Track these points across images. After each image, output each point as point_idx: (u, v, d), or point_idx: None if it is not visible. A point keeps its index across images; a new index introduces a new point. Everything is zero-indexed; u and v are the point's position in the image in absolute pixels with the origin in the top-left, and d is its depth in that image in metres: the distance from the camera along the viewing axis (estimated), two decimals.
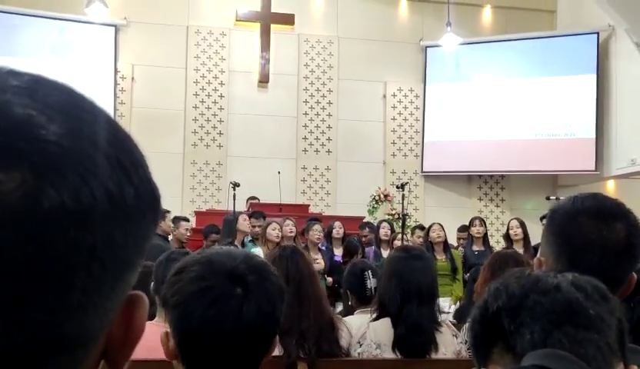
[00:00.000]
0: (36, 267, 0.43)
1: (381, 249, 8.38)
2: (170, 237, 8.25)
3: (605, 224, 1.55)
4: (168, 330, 1.41)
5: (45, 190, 0.43)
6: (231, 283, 1.36)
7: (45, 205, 0.43)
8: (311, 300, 3.11)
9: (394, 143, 13.12)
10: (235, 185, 9.24)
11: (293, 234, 7.72)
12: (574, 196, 1.65)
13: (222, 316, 1.33)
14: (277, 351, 2.95)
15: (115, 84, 11.98)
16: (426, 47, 13.06)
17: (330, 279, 7.54)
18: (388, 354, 3.25)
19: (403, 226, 9.18)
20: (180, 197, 11.96)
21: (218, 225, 8.47)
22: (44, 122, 0.45)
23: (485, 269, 3.96)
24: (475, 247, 8.30)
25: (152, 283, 2.97)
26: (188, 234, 8.33)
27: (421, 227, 9.29)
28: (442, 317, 3.48)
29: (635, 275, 1.59)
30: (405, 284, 3.27)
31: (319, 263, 7.58)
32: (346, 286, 4.16)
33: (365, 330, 3.32)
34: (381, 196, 12.63)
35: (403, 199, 10.09)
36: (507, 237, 8.03)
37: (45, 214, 0.43)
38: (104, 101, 11.37)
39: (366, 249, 8.66)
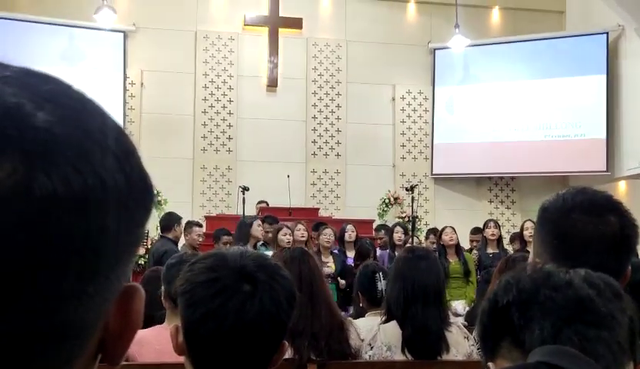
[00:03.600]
0: (29, 255, 0.43)
1: (396, 252, 8.36)
2: (182, 243, 8.25)
3: (599, 218, 1.54)
4: (179, 324, 1.41)
5: (37, 177, 0.43)
6: (239, 278, 1.36)
7: (37, 192, 0.43)
8: (322, 302, 3.11)
9: (403, 146, 13.10)
10: (245, 189, 9.25)
11: (305, 239, 7.71)
12: (563, 192, 1.64)
13: (225, 309, 1.33)
14: (288, 353, 2.96)
15: (125, 89, 12.02)
16: (434, 49, 13.04)
17: (343, 281, 7.53)
18: (399, 356, 3.24)
19: (413, 228, 9.17)
20: (190, 202, 11.99)
21: (228, 229, 8.47)
22: (34, 110, 0.45)
23: (496, 274, 3.94)
24: (490, 250, 8.27)
25: (162, 286, 2.97)
26: (201, 239, 8.33)
27: (434, 231, 9.25)
28: (456, 319, 3.46)
29: (630, 268, 1.58)
30: (409, 285, 3.26)
31: (330, 266, 7.58)
32: (357, 288, 4.16)
33: (376, 333, 3.31)
34: (391, 199, 12.61)
35: (413, 202, 10.09)
36: (521, 238, 7.99)
37: (37, 201, 0.43)
38: (113, 107, 11.42)
39: (381, 252, 8.64)
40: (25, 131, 0.44)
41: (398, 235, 8.65)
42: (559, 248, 1.54)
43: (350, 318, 3.67)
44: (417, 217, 10.57)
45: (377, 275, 3.99)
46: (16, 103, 0.45)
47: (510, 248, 8.75)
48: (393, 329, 3.27)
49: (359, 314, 4.34)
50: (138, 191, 0.50)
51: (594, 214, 1.55)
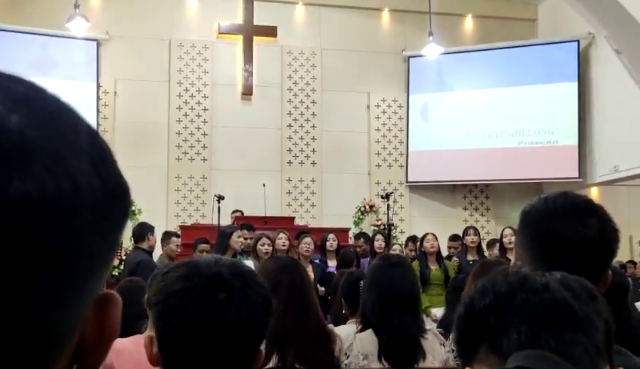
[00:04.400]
0: (4, 259, 0.42)
1: (374, 259, 8.36)
2: (157, 253, 8.17)
3: (580, 221, 1.55)
4: (153, 334, 1.39)
5: (10, 181, 0.42)
6: (214, 286, 1.34)
7: (10, 196, 0.42)
8: (311, 311, 3.10)
9: (378, 153, 13.15)
10: (220, 198, 9.22)
11: (286, 248, 7.69)
12: (544, 196, 1.65)
13: (201, 318, 1.31)
14: (273, 361, 2.94)
15: (98, 98, 11.93)
16: (409, 57, 13.12)
17: (322, 289, 7.52)
18: (376, 364, 3.23)
19: (389, 236, 9.19)
20: (165, 211, 11.91)
21: (204, 238, 8.42)
22: (7, 113, 0.44)
23: (470, 278, 3.95)
24: (470, 257, 8.32)
25: (145, 296, 2.93)
26: (179, 250, 8.28)
27: (414, 239, 9.29)
28: (431, 326, 3.46)
29: (611, 273, 1.59)
30: (383, 292, 3.25)
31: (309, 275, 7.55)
32: (340, 295, 4.15)
33: (352, 342, 3.30)
34: (367, 207, 12.64)
35: (388, 209, 10.13)
36: (500, 245, 8.05)
37: (11, 205, 0.42)
38: (87, 116, 11.23)
39: (362, 260, 8.65)
40: None
41: (379, 243, 8.68)
42: (539, 251, 1.54)
43: (331, 325, 3.66)
44: (392, 225, 10.60)
45: (361, 283, 3.99)
46: None
47: (488, 254, 8.81)
48: (369, 337, 3.27)
49: (335, 320, 4.34)
50: (114, 195, 0.49)
51: (574, 217, 1.56)
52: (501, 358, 0.98)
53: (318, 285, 7.52)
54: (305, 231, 8.74)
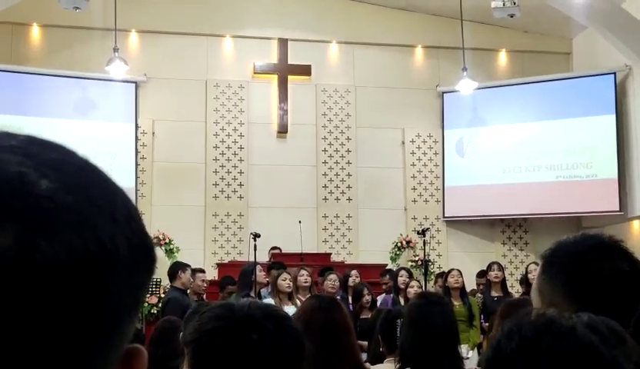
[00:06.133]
0: (33, 323, 0.44)
1: (399, 296, 8.30)
2: (188, 291, 8.24)
3: (610, 261, 1.56)
4: None
5: (39, 245, 0.44)
6: (247, 327, 1.36)
7: (40, 261, 0.44)
8: (347, 353, 3.04)
9: (414, 189, 13.10)
10: (256, 236, 9.24)
11: (308, 284, 7.62)
12: (567, 238, 1.67)
13: (232, 358, 1.33)
14: None
15: (137, 139, 12.13)
16: (443, 92, 13.12)
17: None
18: None
19: (426, 272, 9.11)
20: (202, 249, 11.98)
21: (233, 277, 8.46)
22: (36, 178, 0.46)
23: (497, 319, 3.90)
24: (494, 293, 8.19)
25: (181, 335, 2.95)
26: (205, 285, 8.31)
27: (442, 275, 9.21)
28: (470, 366, 3.41)
29: None
30: (422, 331, 3.22)
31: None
32: (378, 332, 4.13)
33: None
34: (404, 242, 12.56)
35: (425, 245, 10.05)
36: (525, 281, 7.93)
37: (41, 269, 0.44)
38: (126, 157, 11.54)
39: (385, 297, 8.58)
40: (27, 199, 0.45)
41: (403, 279, 8.56)
42: (574, 293, 1.53)
43: (368, 364, 3.62)
44: (429, 260, 10.52)
45: (398, 321, 3.96)
46: (20, 172, 0.46)
47: (518, 290, 8.68)
48: None
49: (373, 359, 4.30)
50: (139, 254, 0.51)
51: (605, 257, 1.56)
52: None
53: None
54: (328, 268, 8.70)
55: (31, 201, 0.45)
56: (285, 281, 7.28)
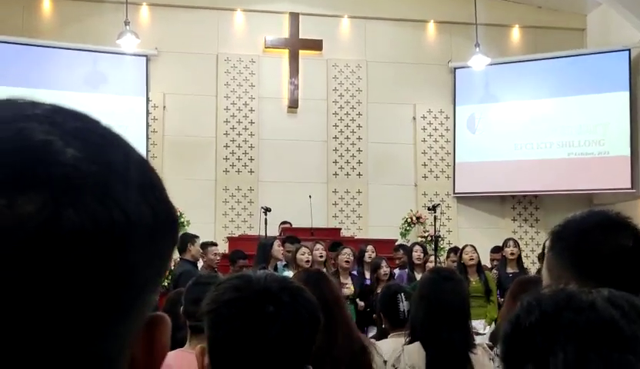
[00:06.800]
0: (57, 290, 0.44)
1: (414, 272, 8.32)
2: (200, 264, 8.27)
3: (616, 235, 1.58)
4: (205, 345, 1.42)
5: (64, 213, 0.44)
6: (263, 299, 1.37)
7: (65, 229, 0.44)
8: (339, 326, 3.07)
9: (425, 165, 13.08)
10: (267, 210, 9.28)
11: (323, 259, 7.67)
12: (574, 215, 1.69)
13: (248, 329, 1.34)
14: None
15: (147, 113, 12.13)
16: (455, 68, 13.04)
17: (362, 303, 7.49)
18: None
19: (436, 248, 9.11)
20: (213, 223, 12.03)
21: (243, 251, 8.48)
22: (62, 147, 0.46)
23: (508, 296, 3.90)
24: (509, 269, 8.18)
25: (182, 306, 2.97)
26: (218, 258, 8.33)
27: (455, 250, 9.19)
28: (481, 341, 3.42)
29: None
30: (434, 306, 3.23)
31: (349, 288, 7.53)
32: (379, 309, 4.13)
33: (400, 354, 3.28)
34: (414, 218, 12.56)
35: (435, 221, 10.05)
36: (543, 257, 7.91)
37: (65, 237, 0.44)
38: (136, 130, 11.54)
39: (399, 272, 8.59)
40: (53, 167, 0.45)
41: (417, 254, 8.57)
42: (581, 269, 1.54)
43: (373, 340, 3.64)
44: (440, 236, 10.52)
45: (399, 296, 3.96)
46: (46, 140, 0.46)
47: (535, 267, 8.67)
48: (417, 350, 3.25)
49: (382, 335, 4.31)
50: (162, 224, 0.51)
51: (610, 232, 1.58)
52: None
53: (357, 300, 7.48)
54: (339, 243, 8.71)
55: (57, 170, 0.45)
56: (303, 256, 7.34)
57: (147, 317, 0.52)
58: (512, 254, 8.26)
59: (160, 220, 0.50)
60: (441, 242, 11.29)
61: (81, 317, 0.45)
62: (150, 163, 0.54)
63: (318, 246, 7.78)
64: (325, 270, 6.13)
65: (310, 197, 10.98)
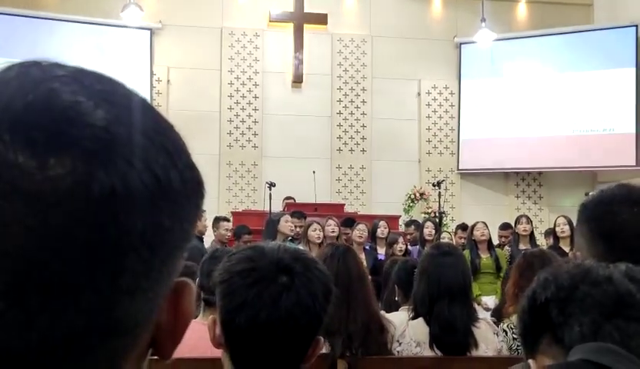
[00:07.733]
0: (87, 252, 0.44)
1: (425, 248, 8.31)
2: (212, 239, 8.27)
3: (629, 208, 1.58)
4: (217, 316, 1.43)
5: (95, 175, 0.44)
6: (276, 270, 1.38)
7: (96, 190, 0.44)
8: (359, 302, 3.08)
9: (429, 141, 13.05)
10: (271, 185, 9.27)
11: (335, 234, 7.64)
12: (601, 189, 1.70)
13: (261, 299, 1.34)
14: (324, 350, 2.95)
15: (151, 87, 12.11)
16: (460, 43, 12.96)
17: (370, 278, 7.49)
18: (428, 352, 3.23)
19: (440, 224, 9.11)
20: (216, 198, 12.04)
21: (249, 226, 8.49)
22: (92, 109, 0.46)
23: (514, 270, 3.91)
24: (522, 246, 8.17)
25: (197, 279, 2.99)
26: (229, 234, 8.35)
27: (464, 227, 9.19)
28: (485, 315, 3.43)
29: None
30: (433, 281, 3.24)
31: (362, 263, 7.53)
32: (395, 280, 4.16)
33: (405, 329, 3.30)
34: (417, 194, 12.56)
35: (439, 197, 10.04)
36: (554, 234, 7.91)
37: (96, 199, 0.44)
38: None
39: (411, 248, 8.59)
40: (84, 129, 0.45)
41: (429, 230, 8.56)
42: (605, 243, 1.55)
43: (382, 312, 3.65)
44: (443, 212, 10.52)
45: (416, 271, 3.99)
46: (74, 101, 0.46)
47: (544, 244, 8.66)
48: (420, 326, 3.27)
49: (388, 307, 4.35)
50: (189, 187, 0.51)
51: (632, 203, 1.57)
52: (564, 350, 0.97)
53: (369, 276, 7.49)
54: (351, 219, 8.70)
55: (88, 131, 0.45)
56: (315, 232, 7.31)
57: (173, 284, 0.52)
58: (525, 230, 8.25)
59: (187, 183, 0.51)
60: (445, 218, 11.30)
61: (110, 279, 0.45)
62: (176, 128, 0.53)
63: (331, 222, 7.73)
64: None
65: (314, 172, 10.97)
